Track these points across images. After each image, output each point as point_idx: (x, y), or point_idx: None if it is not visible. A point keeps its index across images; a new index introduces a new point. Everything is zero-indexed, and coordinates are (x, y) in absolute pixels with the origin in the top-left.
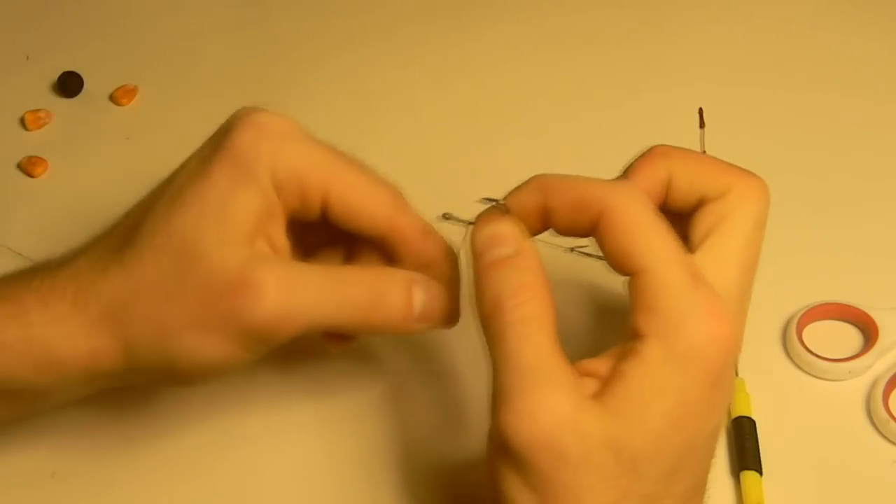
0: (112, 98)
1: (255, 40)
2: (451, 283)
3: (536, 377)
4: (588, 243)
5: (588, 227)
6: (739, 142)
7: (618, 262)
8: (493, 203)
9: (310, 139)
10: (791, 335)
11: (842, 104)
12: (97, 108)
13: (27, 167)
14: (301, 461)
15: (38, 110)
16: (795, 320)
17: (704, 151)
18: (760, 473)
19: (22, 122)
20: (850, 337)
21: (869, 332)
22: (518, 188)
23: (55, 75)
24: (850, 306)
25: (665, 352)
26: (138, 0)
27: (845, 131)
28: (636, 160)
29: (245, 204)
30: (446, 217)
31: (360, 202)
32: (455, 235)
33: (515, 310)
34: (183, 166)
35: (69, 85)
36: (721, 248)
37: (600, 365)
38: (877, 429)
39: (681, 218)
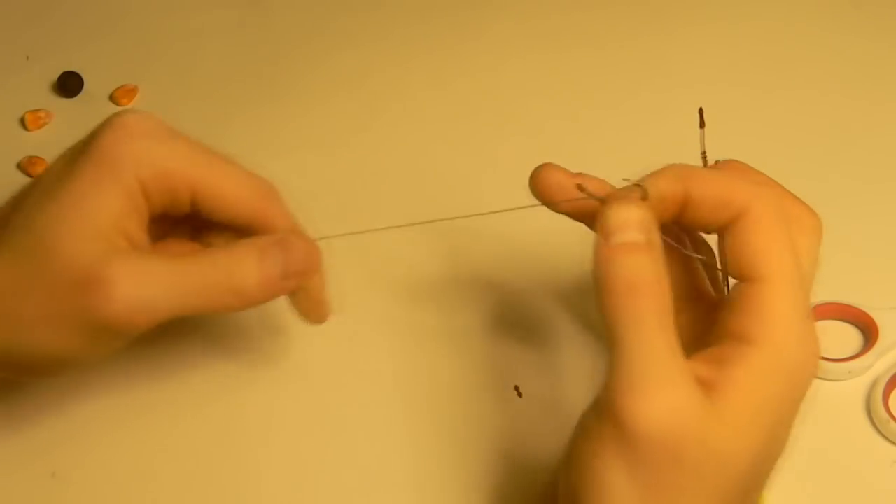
0: (112, 98)
1: (255, 40)
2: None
3: (672, 373)
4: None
5: (721, 224)
6: (739, 142)
7: (742, 264)
8: (633, 183)
9: (177, 137)
10: None
11: (842, 104)
12: (97, 108)
13: (27, 167)
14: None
15: (37, 110)
16: None
17: (704, 151)
18: None
19: (22, 122)
20: (850, 337)
21: (869, 332)
22: (657, 174)
23: (55, 75)
24: (850, 306)
25: (776, 365)
26: (138, 0)
27: (845, 131)
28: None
29: (104, 202)
30: (580, 188)
31: (227, 195)
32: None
33: (655, 298)
34: (52, 165)
35: (69, 85)
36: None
37: (700, 368)
38: (877, 429)
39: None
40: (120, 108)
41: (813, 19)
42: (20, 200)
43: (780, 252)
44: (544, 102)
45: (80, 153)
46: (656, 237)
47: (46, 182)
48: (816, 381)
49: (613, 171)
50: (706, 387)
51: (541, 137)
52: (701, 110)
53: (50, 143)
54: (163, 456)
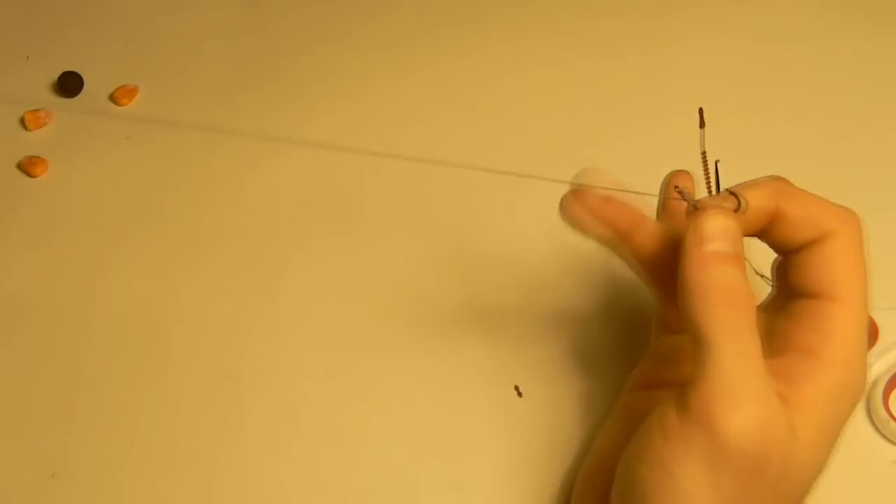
0: (112, 98)
1: (255, 40)
2: None
3: (765, 387)
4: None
5: (802, 243)
6: (739, 142)
7: (818, 282)
8: (729, 192)
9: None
10: None
11: (841, 104)
12: (97, 107)
13: (27, 167)
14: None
15: (37, 110)
16: None
17: (704, 151)
18: None
19: (22, 122)
20: None
21: (869, 332)
22: (754, 186)
23: (55, 75)
24: None
25: (842, 383)
26: (138, 1)
27: (845, 131)
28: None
29: None
30: (677, 189)
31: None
32: None
33: (750, 310)
34: None
35: (69, 85)
36: None
37: (787, 390)
38: (877, 429)
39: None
40: (120, 108)
41: (813, 19)
42: None
43: (858, 276)
44: (544, 102)
45: None
46: (742, 251)
47: None
48: None
49: (613, 170)
50: (783, 402)
51: (541, 137)
52: (701, 110)
53: (50, 142)
54: (163, 456)
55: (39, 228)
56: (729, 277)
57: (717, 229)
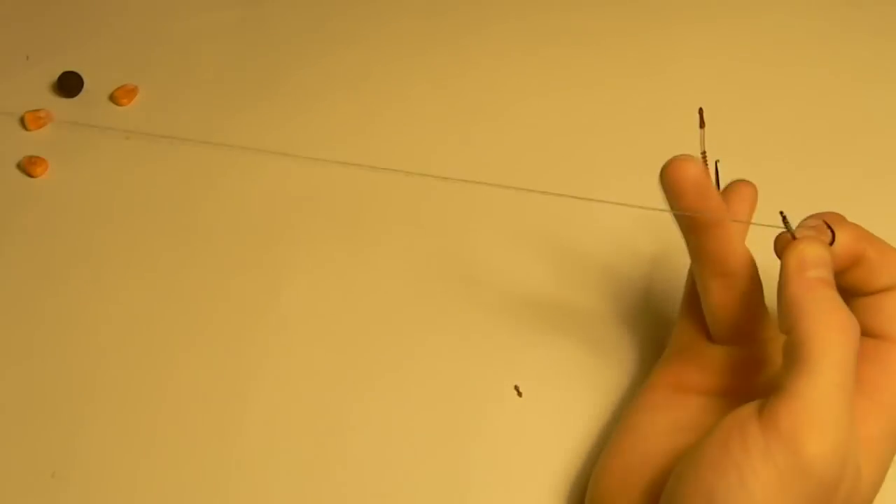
0: (112, 98)
1: (255, 40)
2: None
3: (853, 424)
4: None
5: (882, 288)
6: (739, 142)
7: (888, 325)
8: (826, 225)
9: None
10: None
11: (841, 104)
12: (97, 107)
13: (27, 167)
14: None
15: (37, 110)
16: None
17: (704, 151)
18: None
19: (22, 122)
20: None
21: None
22: (844, 224)
23: (55, 75)
24: None
25: (890, 423)
26: (138, 1)
27: (845, 131)
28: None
29: None
30: (782, 215)
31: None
32: None
33: (857, 345)
34: None
35: (69, 85)
36: None
37: None
38: None
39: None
40: (119, 108)
41: (813, 19)
42: None
43: None
44: (544, 102)
45: None
46: (833, 282)
47: None
48: None
49: (613, 170)
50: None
51: (541, 137)
52: (701, 110)
53: (50, 142)
54: (163, 456)
55: (39, 228)
56: (839, 304)
57: (818, 258)
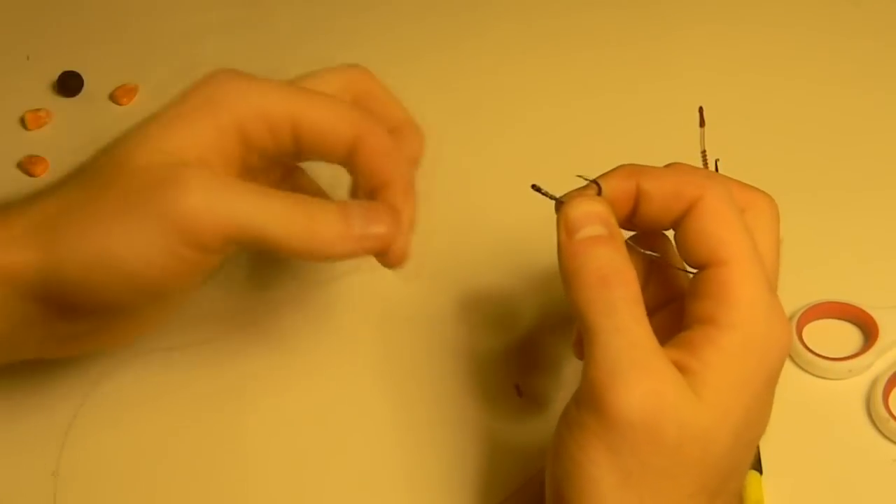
0: (112, 97)
1: (255, 39)
2: (405, 210)
3: (649, 358)
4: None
5: (675, 217)
6: (739, 141)
7: (700, 251)
8: (588, 181)
9: (268, 81)
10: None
11: (842, 103)
12: (97, 107)
13: (27, 167)
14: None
15: (38, 110)
16: (795, 319)
17: (704, 150)
18: (760, 473)
19: (22, 121)
20: (850, 336)
21: (869, 330)
22: (609, 173)
23: (55, 75)
24: (850, 305)
25: (744, 346)
26: (138, 0)
27: (845, 130)
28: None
29: (191, 133)
30: (535, 188)
31: (326, 127)
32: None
33: (626, 287)
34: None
35: (69, 84)
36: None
37: (673, 354)
38: (877, 428)
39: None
40: (120, 107)
41: (813, 19)
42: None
43: (736, 234)
44: (544, 102)
45: (180, 96)
46: (617, 229)
47: (132, 128)
48: (817, 381)
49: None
50: (682, 371)
51: (541, 138)
52: (701, 109)
53: (50, 142)
54: (163, 456)
55: None
56: (601, 259)
57: (583, 214)
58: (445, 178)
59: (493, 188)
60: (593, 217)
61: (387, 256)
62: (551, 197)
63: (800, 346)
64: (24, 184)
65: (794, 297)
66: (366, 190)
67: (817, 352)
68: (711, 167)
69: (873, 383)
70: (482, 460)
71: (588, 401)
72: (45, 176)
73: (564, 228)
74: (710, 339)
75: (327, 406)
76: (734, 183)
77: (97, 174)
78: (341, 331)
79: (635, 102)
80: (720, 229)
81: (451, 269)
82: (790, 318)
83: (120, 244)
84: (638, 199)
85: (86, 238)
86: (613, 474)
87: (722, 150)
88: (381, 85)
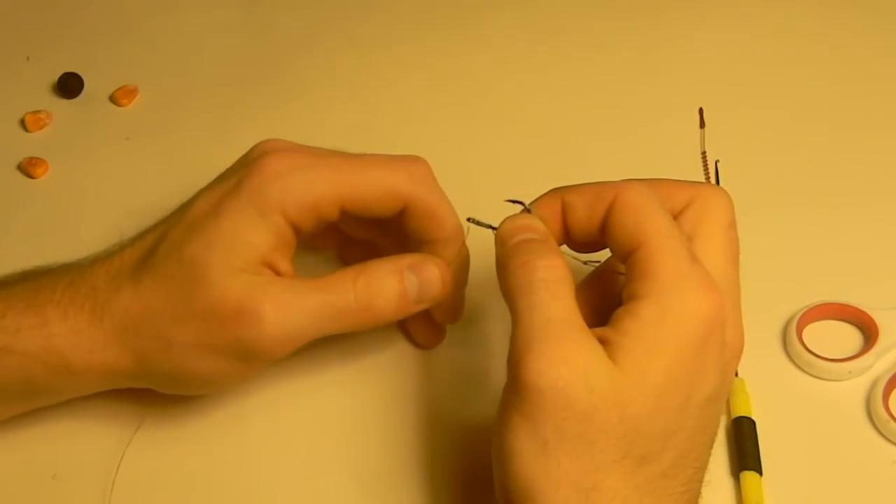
0: (112, 99)
1: (255, 40)
2: (457, 260)
3: (562, 330)
4: (599, 259)
5: (601, 216)
6: (739, 142)
7: (622, 242)
8: (518, 204)
9: (318, 160)
10: (791, 335)
11: (842, 104)
12: (97, 108)
13: (27, 168)
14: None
15: (38, 111)
16: (795, 320)
17: (705, 151)
18: (760, 474)
19: (22, 123)
20: (850, 337)
21: (869, 332)
22: (538, 197)
23: (55, 76)
24: (850, 306)
25: (660, 311)
26: (138, 1)
27: (845, 131)
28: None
29: (251, 240)
30: (471, 220)
31: (372, 201)
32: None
33: (548, 270)
34: (198, 196)
35: (69, 86)
36: (709, 245)
37: (604, 332)
38: (877, 429)
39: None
40: (120, 109)
41: (813, 19)
42: (166, 228)
43: (649, 217)
44: (546, 104)
45: (227, 192)
46: (547, 234)
47: (193, 216)
48: (817, 382)
49: (614, 171)
50: (603, 343)
51: (542, 139)
52: (701, 110)
53: (50, 144)
54: (163, 458)
55: (40, 229)
56: (527, 254)
57: (513, 227)
58: (444, 179)
59: (494, 189)
60: (522, 228)
61: (441, 314)
62: (488, 226)
63: (800, 348)
64: (25, 185)
65: (794, 299)
66: (415, 243)
67: (817, 353)
68: (712, 168)
69: (873, 384)
70: (484, 457)
71: (508, 379)
72: (46, 177)
73: (499, 242)
74: (629, 311)
75: (332, 398)
76: (672, 182)
77: (173, 283)
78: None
79: (636, 103)
80: (634, 216)
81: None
82: (790, 320)
83: (202, 366)
84: (564, 211)
85: (170, 358)
86: (532, 443)
87: (722, 151)
88: (435, 193)
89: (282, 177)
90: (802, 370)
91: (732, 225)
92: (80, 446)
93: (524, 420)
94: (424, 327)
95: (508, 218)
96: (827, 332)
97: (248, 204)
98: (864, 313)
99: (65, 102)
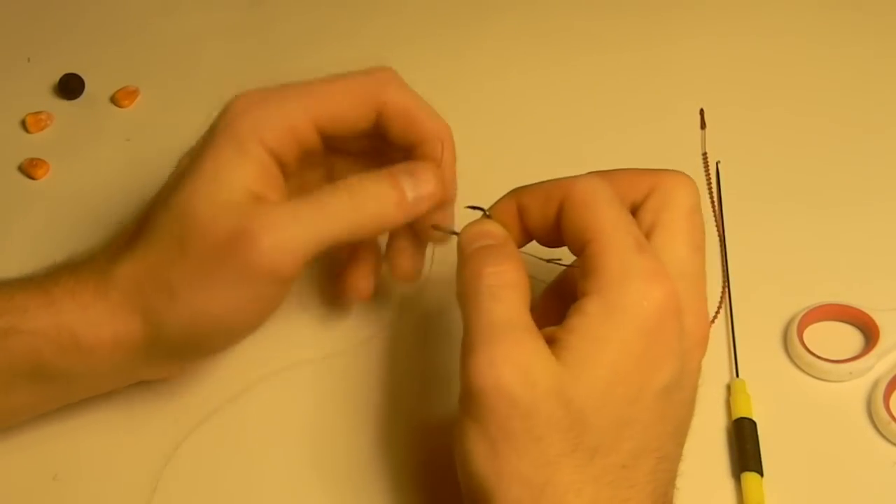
0: (113, 100)
1: (255, 41)
2: (446, 157)
3: (502, 331)
4: (562, 256)
5: (554, 214)
6: (739, 142)
7: (573, 239)
8: (478, 210)
9: (282, 90)
10: (792, 336)
11: (842, 105)
12: (98, 109)
13: (28, 169)
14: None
15: (39, 112)
16: (796, 321)
17: (705, 152)
18: (761, 475)
19: (23, 124)
20: (850, 338)
21: (870, 333)
22: (496, 201)
23: (56, 77)
24: (850, 307)
25: (604, 306)
26: (139, 1)
27: (845, 131)
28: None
29: (233, 173)
30: (436, 228)
31: (348, 117)
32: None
33: (494, 276)
34: (181, 159)
35: (70, 87)
36: (669, 233)
37: (553, 330)
38: (878, 430)
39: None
40: (121, 110)
41: (813, 20)
42: (155, 198)
43: (596, 213)
44: (546, 104)
45: (204, 141)
46: (506, 238)
47: (176, 173)
48: (817, 383)
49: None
50: (551, 342)
51: (542, 140)
52: (702, 111)
53: (51, 144)
54: (163, 459)
55: (40, 230)
56: (475, 262)
57: (471, 234)
58: None
59: (494, 190)
60: (480, 234)
61: (440, 220)
62: (451, 232)
63: (801, 349)
64: (26, 186)
65: (794, 300)
66: (404, 152)
67: (818, 354)
68: (713, 169)
69: (874, 385)
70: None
71: (460, 383)
72: (47, 178)
73: (458, 250)
74: (577, 309)
75: (337, 390)
76: (632, 171)
77: (165, 234)
78: (349, 328)
79: (636, 104)
80: (582, 213)
81: (450, 268)
82: (791, 321)
83: (211, 305)
84: (520, 213)
85: (178, 305)
86: (481, 444)
87: (723, 152)
88: (406, 93)
89: (253, 109)
90: (803, 371)
91: (695, 210)
92: (81, 447)
93: (473, 422)
94: (410, 252)
95: (467, 225)
96: (828, 333)
97: (225, 142)
98: (865, 314)
99: (66, 103)
